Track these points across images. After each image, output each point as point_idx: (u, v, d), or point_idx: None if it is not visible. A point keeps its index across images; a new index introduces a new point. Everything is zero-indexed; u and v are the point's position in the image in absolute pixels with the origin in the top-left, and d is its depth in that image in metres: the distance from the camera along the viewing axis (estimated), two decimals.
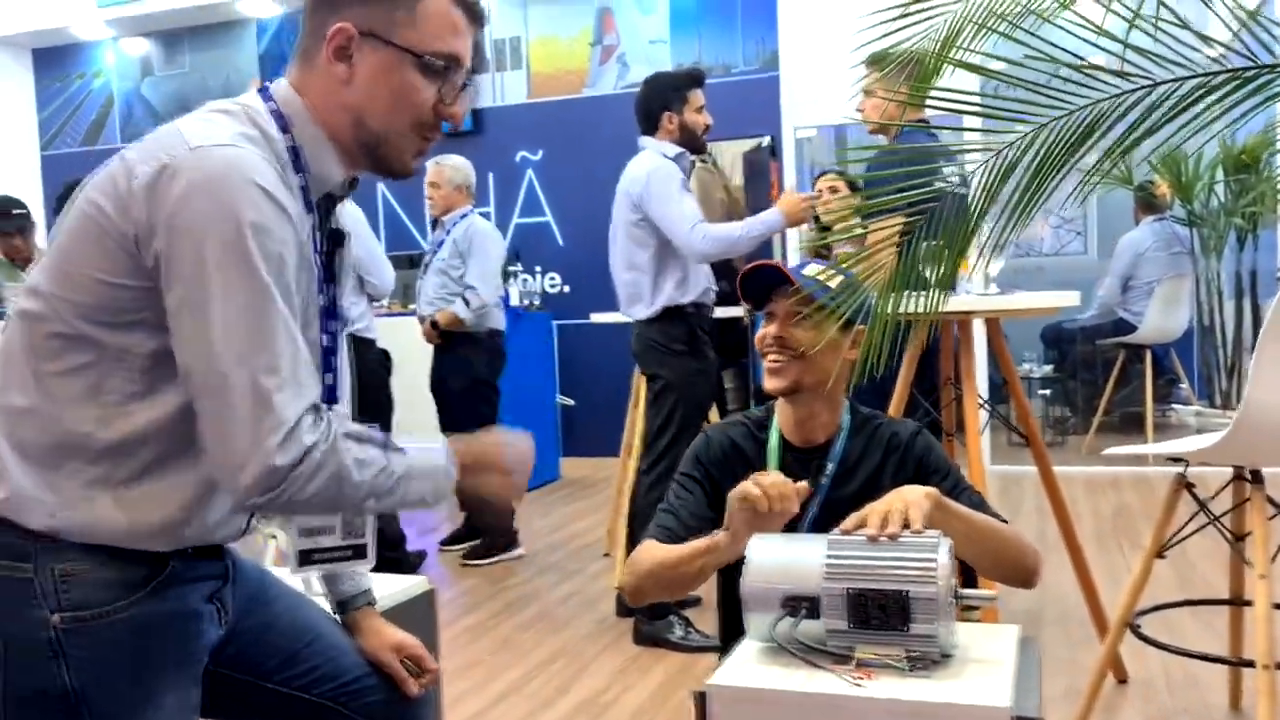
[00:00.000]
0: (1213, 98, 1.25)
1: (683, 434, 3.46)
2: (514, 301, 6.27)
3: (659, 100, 3.59)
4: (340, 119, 1.33)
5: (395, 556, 4.34)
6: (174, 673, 1.31)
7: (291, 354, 1.21)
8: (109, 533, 1.26)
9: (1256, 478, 2.32)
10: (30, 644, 1.23)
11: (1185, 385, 6.57)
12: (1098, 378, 6.75)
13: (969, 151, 1.42)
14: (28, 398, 1.26)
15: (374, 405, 4.27)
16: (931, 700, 1.31)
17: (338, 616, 1.60)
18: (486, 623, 3.87)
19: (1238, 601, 2.59)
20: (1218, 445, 2.29)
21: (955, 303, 2.78)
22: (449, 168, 4.82)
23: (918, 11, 1.60)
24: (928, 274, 1.51)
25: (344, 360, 1.46)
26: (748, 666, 1.45)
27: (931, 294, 1.52)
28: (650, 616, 3.51)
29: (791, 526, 1.83)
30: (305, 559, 1.43)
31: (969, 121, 1.74)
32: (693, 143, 3.61)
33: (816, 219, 4.21)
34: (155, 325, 1.22)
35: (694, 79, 3.64)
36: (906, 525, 1.47)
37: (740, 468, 1.88)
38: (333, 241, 1.42)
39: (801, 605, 1.44)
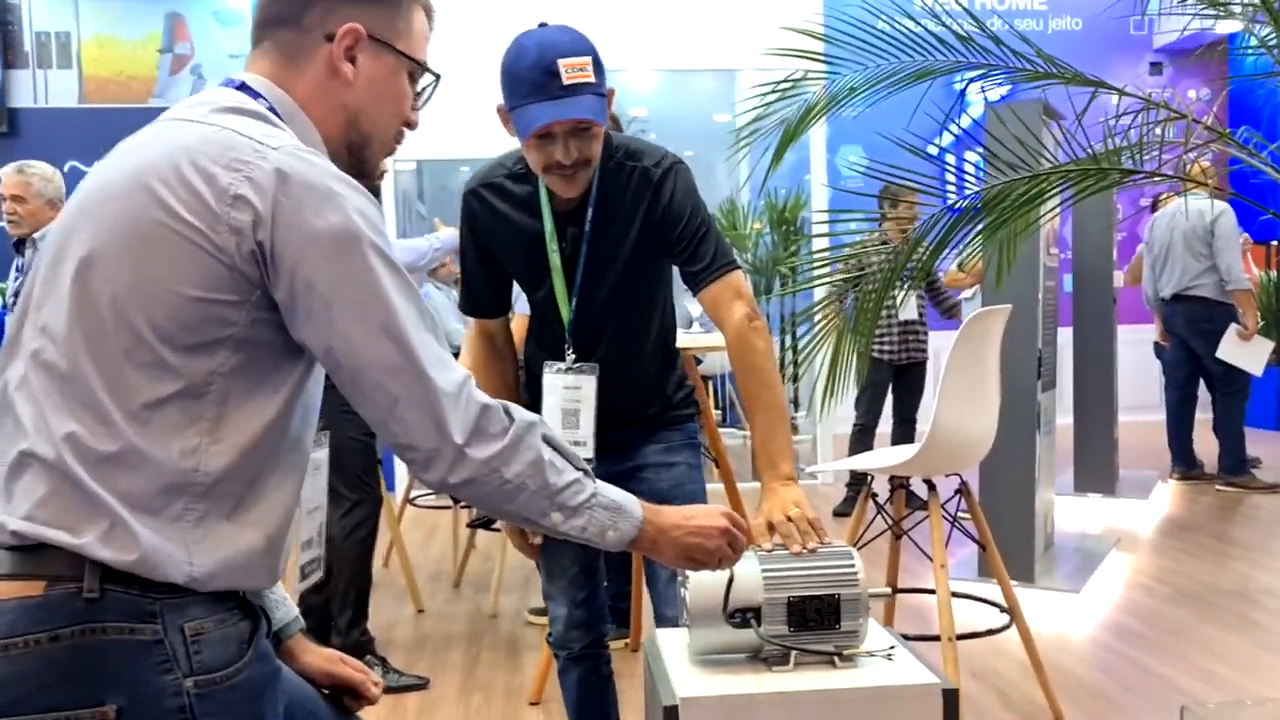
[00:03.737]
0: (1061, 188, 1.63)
1: None
2: None
3: None
4: (336, 119, 1.30)
5: None
6: None
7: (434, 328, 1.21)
8: (242, 570, 1.15)
9: (932, 487, 2.84)
10: (157, 715, 1.08)
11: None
12: None
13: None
14: (116, 440, 1.10)
15: None
16: (885, 684, 1.53)
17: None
18: None
19: (915, 589, 3.12)
20: (908, 461, 2.78)
21: None
22: (38, 178, 4.24)
23: (784, 92, 1.85)
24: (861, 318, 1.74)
25: None
26: (699, 678, 1.57)
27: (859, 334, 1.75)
28: None
29: (573, 274, 2.01)
30: (303, 573, 1.36)
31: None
32: None
33: None
34: (240, 340, 1.14)
35: None
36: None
37: (514, 234, 2.02)
38: None
39: (747, 615, 1.60)
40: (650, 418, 2.13)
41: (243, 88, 1.26)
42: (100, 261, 1.13)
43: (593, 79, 1.83)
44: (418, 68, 1.34)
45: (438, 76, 1.37)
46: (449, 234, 3.71)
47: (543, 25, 1.86)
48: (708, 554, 1.44)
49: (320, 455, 1.59)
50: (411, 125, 1.38)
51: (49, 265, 1.18)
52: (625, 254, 2.00)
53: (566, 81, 1.80)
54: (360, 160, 1.34)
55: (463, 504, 4.48)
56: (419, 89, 1.37)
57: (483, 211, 2.04)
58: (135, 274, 1.12)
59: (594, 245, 1.99)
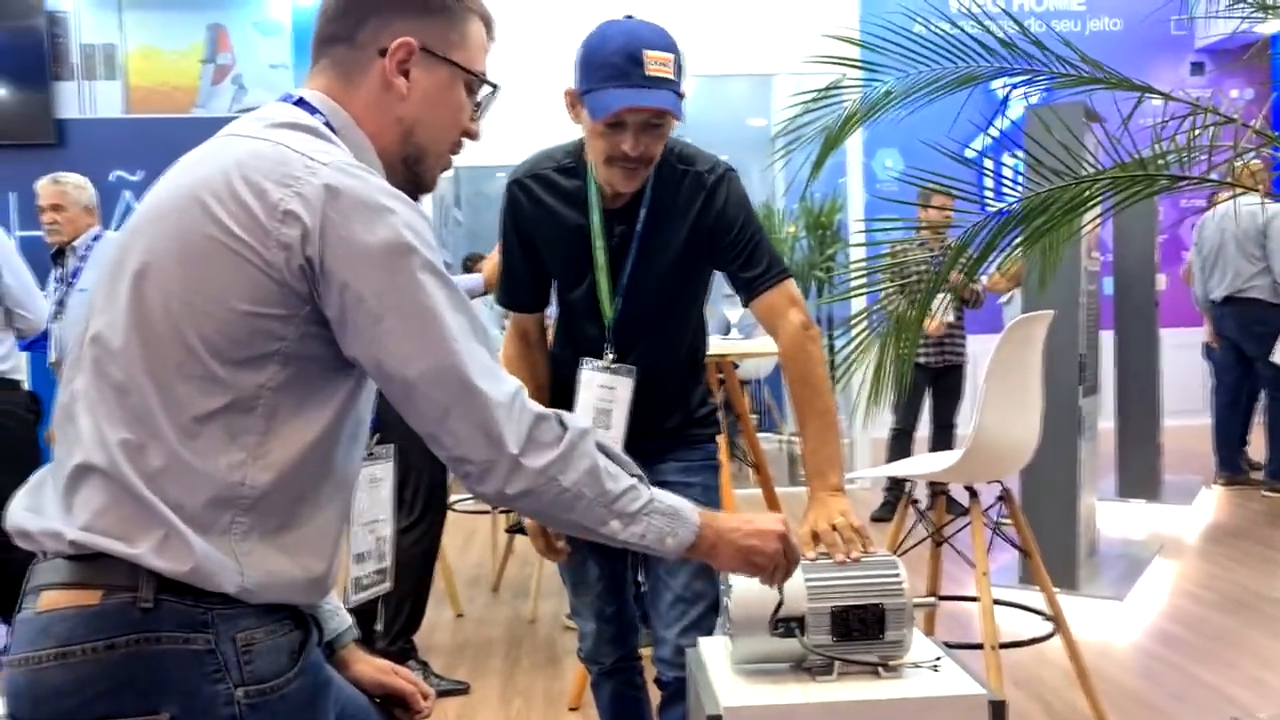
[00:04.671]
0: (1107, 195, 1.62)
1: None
2: None
3: None
4: (391, 132, 1.31)
5: None
6: None
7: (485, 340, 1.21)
8: (288, 586, 1.16)
9: (974, 493, 2.82)
10: None
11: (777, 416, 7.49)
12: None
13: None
14: (166, 452, 1.11)
15: (19, 456, 3.70)
16: (931, 695, 1.52)
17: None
18: None
19: (962, 598, 3.10)
20: (950, 468, 2.76)
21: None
22: (73, 186, 4.33)
23: (825, 98, 1.84)
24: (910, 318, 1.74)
25: None
26: (743, 687, 1.57)
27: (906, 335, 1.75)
28: None
29: (618, 272, 2.00)
30: (356, 586, 1.38)
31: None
32: None
33: None
34: (289, 355, 1.15)
35: None
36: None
37: (558, 228, 2.00)
38: None
39: (791, 624, 1.59)
40: (672, 430, 2.12)
41: (300, 103, 1.28)
42: (154, 275, 1.15)
43: (673, 76, 1.83)
44: (474, 79, 1.35)
45: (495, 87, 1.38)
46: (470, 279, 3.66)
47: (629, 17, 1.87)
48: (766, 557, 1.42)
49: (378, 469, 1.61)
50: (472, 136, 1.38)
51: (108, 278, 1.20)
52: (673, 256, 2.00)
53: (649, 72, 1.80)
54: (416, 174, 1.34)
55: (501, 508, 4.50)
56: (478, 100, 1.37)
57: (527, 203, 2.03)
58: (187, 288, 1.14)
59: (644, 244, 1.99)
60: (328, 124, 1.26)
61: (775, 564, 1.44)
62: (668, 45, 1.83)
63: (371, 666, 1.50)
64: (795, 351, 1.93)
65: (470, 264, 7.10)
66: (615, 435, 2.04)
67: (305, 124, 1.24)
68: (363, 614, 3.37)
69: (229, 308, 1.13)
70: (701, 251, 2.01)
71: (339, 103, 1.29)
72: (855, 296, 1.96)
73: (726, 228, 1.97)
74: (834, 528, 1.72)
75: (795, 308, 1.96)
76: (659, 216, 1.99)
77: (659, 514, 1.30)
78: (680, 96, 1.84)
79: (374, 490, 1.58)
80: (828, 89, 1.83)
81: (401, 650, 3.36)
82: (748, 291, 2.00)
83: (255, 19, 6.84)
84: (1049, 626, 2.95)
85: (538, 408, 1.22)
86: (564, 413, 1.26)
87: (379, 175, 1.22)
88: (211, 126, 1.36)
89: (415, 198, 1.36)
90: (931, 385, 5.45)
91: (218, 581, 1.12)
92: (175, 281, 1.14)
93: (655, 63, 1.80)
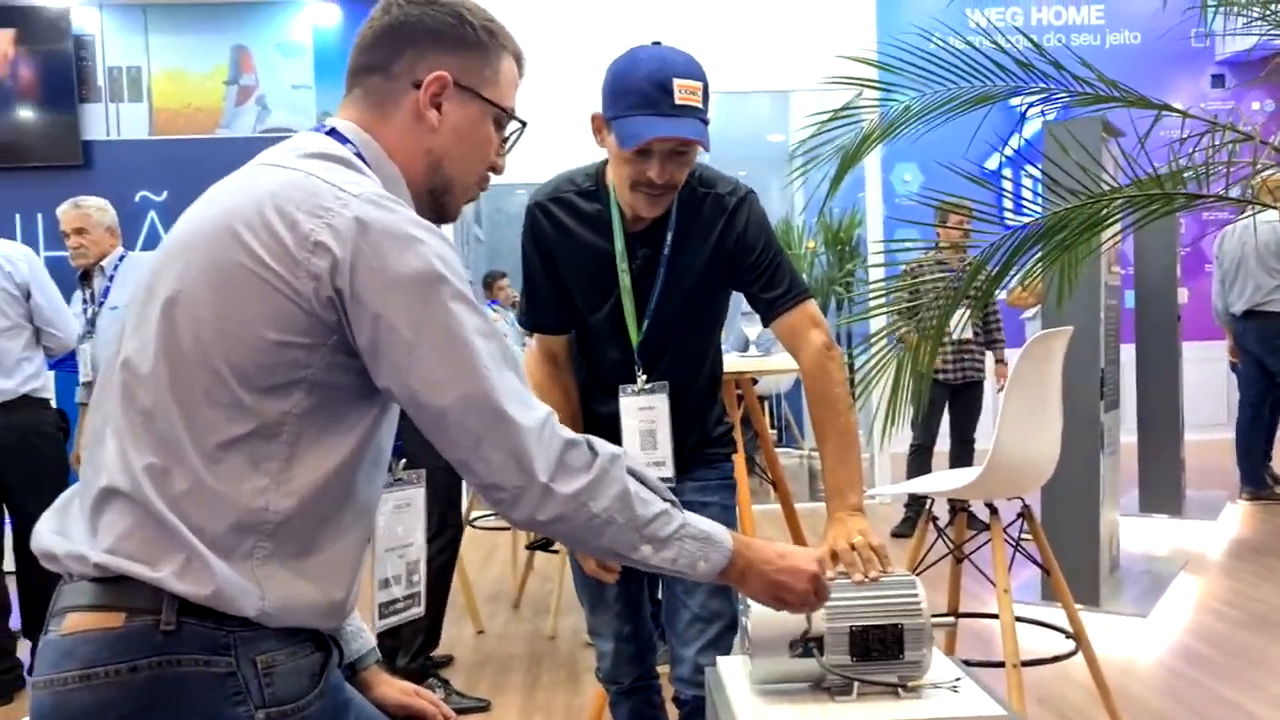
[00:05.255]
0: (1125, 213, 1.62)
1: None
2: None
3: None
4: (419, 163, 1.33)
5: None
6: None
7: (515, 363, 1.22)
8: (307, 610, 1.17)
9: (994, 510, 2.81)
10: None
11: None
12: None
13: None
14: (190, 477, 1.13)
15: (50, 474, 3.74)
16: (950, 716, 1.52)
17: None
18: None
19: (979, 615, 3.09)
20: (970, 484, 2.75)
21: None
22: (95, 209, 4.37)
23: (842, 118, 1.85)
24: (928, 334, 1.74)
25: None
26: (762, 708, 1.57)
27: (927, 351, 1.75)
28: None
29: (644, 295, 2.00)
30: (382, 612, 1.39)
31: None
32: None
33: None
34: (315, 383, 1.17)
35: None
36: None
37: (581, 252, 2.01)
38: None
39: (810, 644, 1.59)
40: (690, 450, 2.12)
41: (332, 133, 1.30)
42: (185, 302, 1.17)
43: (701, 105, 1.84)
44: (504, 114, 1.36)
45: (524, 124, 1.39)
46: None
47: (657, 43, 1.88)
48: (795, 595, 1.43)
49: (407, 494, 1.62)
50: (497, 170, 1.40)
51: (139, 303, 1.22)
52: (695, 278, 2.02)
53: (678, 101, 1.80)
54: (441, 205, 1.36)
55: None
56: (505, 135, 1.39)
57: (549, 226, 2.04)
58: (218, 315, 1.15)
59: (669, 267, 2.01)
60: (359, 154, 1.28)
61: (803, 603, 1.45)
62: (696, 73, 1.84)
63: (394, 688, 1.51)
64: (816, 371, 1.95)
65: (490, 281, 7.14)
66: (663, 454, 2.05)
67: (336, 154, 1.26)
68: (390, 630, 3.39)
69: (258, 336, 1.14)
70: (723, 273, 2.02)
71: (371, 133, 1.31)
72: (874, 316, 1.96)
73: (748, 249, 1.98)
74: (853, 547, 1.72)
75: (816, 328, 1.97)
76: (682, 239, 2.00)
77: (691, 539, 1.30)
78: (706, 124, 1.85)
79: (402, 515, 1.58)
80: (843, 108, 1.84)
81: (422, 667, 3.37)
82: (769, 312, 2.01)
83: (278, 40, 6.92)
84: (1071, 644, 2.93)
85: (568, 433, 1.23)
86: (595, 438, 1.26)
87: (408, 206, 1.24)
88: (235, 147, 1.39)
89: (443, 222, 1.39)
90: (950, 401, 5.43)
91: (239, 605, 1.14)
92: (207, 309, 1.16)
93: (685, 91, 1.80)
